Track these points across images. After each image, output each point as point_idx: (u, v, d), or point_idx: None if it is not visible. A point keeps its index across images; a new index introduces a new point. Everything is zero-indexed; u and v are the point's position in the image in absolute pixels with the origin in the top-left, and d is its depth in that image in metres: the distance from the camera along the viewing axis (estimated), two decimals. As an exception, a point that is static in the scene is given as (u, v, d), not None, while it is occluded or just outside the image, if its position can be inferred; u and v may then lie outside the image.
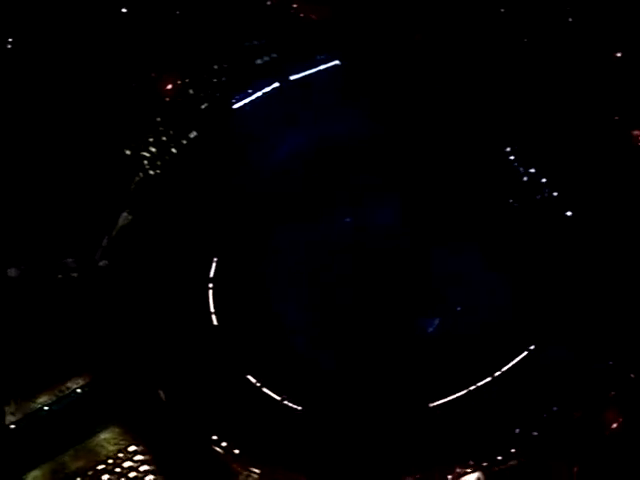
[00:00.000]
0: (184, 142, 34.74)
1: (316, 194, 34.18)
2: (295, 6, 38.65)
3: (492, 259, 32.56)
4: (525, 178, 34.36)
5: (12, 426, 30.69)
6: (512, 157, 34.49)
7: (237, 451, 29.33)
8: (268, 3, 38.28)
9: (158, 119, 35.35)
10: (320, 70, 35.69)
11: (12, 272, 32.85)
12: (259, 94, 35.24)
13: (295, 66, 35.89)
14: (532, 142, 34.45)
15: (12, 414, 30.84)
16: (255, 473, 29.17)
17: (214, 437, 29.57)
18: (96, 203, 33.89)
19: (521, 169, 34.38)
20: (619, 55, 35.91)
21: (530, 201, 33.78)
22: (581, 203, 33.14)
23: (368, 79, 35.63)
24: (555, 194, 33.81)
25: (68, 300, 32.48)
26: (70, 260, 32.92)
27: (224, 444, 29.46)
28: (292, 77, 35.52)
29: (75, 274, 32.95)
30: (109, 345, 31.46)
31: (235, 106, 35.04)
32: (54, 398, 31.04)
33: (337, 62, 35.87)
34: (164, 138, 34.90)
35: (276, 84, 35.38)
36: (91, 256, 32.99)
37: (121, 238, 33.39)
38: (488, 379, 30.38)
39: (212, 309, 32.43)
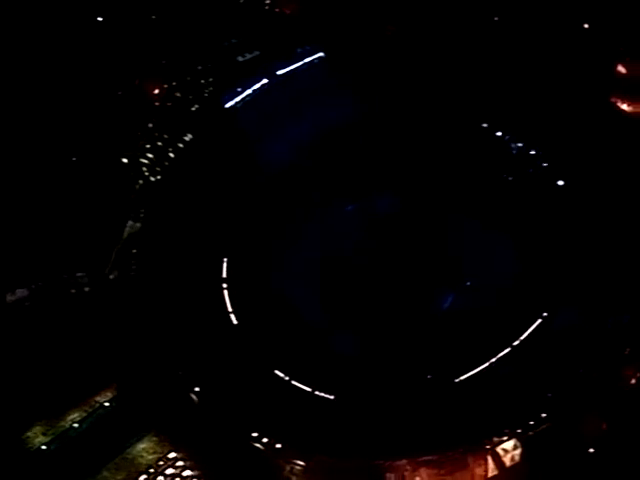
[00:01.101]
0: (181, 145, 34.83)
1: (315, 185, 34.75)
2: (268, 2, 39.05)
3: (494, 232, 33.65)
4: (514, 152, 35.52)
5: (44, 447, 30.61)
6: (500, 133, 35.54)
7: (279, 445, 29.77)
8: (241, 1, 38.58)
9: (150, 125, 35.37)
10: (305, 63, 36.11)
11: (22, 292, 32.61)
12: (249, 92, 35.54)
13: (280, 61, 36.25)
14: (518, 117, 35.55)
15: (43, 434, 30.73)
16: (299, 465, 29.69)
17: (254, 434, 29.95)
18: (100, 215, 33.83)
19: (510, 144, 35.49)
20: (588, 26, 37.36)
21: (523, 174, 34.94)
22: (571, 171, 34.43)
23: (352, 67, 36.19)
24: (545, 165, 35.07)
25: (83, 314, 32.45)
26: (81, 275, 32.82)
27: (265, 440, 29.87)
28: (279, 72, 35.85)
29: (87, 288, 32.88)
30: (132, 354, 31.55)
31: (227, 105, 35.23)
32: (84, 414, 31.02)
33: (321, 54, 36.29)
34: (160, 143, 34.94)
35: (264, 80, 35.69)
36: (102, 268, 32.93)
37: (129, 247, 33.39)
38: (508, 349, 31.44)
39: (230, 309, 32.79)
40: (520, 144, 35.49)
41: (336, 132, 34.89)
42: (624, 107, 36.10)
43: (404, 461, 29.12)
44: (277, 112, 35.12)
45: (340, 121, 34.93)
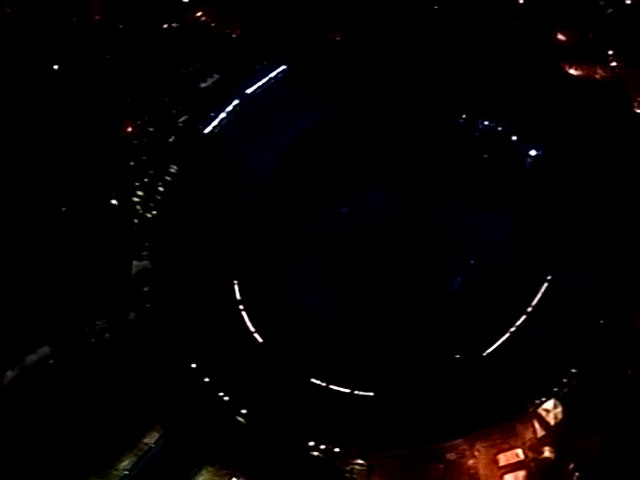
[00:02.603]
0: (168, 178, 35.03)
1: (306, 195, 35.56)
2: (213, 25, 39.50)
3: (486, 209, 35.19)
4: (483, 132, 37.16)
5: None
6: (464, 116, 37.11)
7: (337, 449, 30.59)
8: (190, 28, 38.89)
9: (132, 163, 35.43)
10: (270, 78, 36.80)
11: (44, 351, 32.32)
12: (223, 114, 35.99)
13: (245, 80, 36.83)
14: (479, 99, 37.17)
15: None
16: (358, 464, 30.58)
17: (311, 444, 30.66)
18: (104, 260, 33.73)
19: (477, 125, 37.12)
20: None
21: (496, 151, 36.62)
22: (541, 139, 36.32)
23: (314, 74, 37.10)
24: (514, 138, 36.84)
25: (108, 360, 32.41)
26: (100, 322, 32.73)
27: (322, 447, 30.64)
28: (248, 91, 36.45)
29: (108, 334, 32.81)
30: (171, 390, 31.75)
31: (206, 131, 35.62)
32: (135, 459, 31.03)
33: (283, 67, 37.04)
34: (146, 180, 35.04)
35: (236, 101, 36.22)
36: (119, 312, 32.91)
37: (140, 286, 33.47)
38: (524, 316, 33.10)
39: (252, 329, 33.33)
40: (485, 122, 37.13)
41: (316, 135, 35.67)
42: (572, 72, 38.22)
43: (459, 440, 30.47)
44: (256, 128, 35.73)
45: (318, 124, 35.74)
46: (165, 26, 39.14)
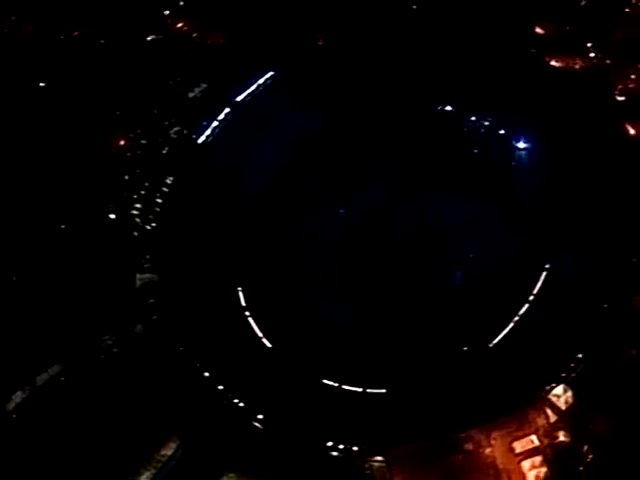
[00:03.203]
0: (165, 189, 35.08)
1: (304, 197, 35.84)
2: (195, 35, 39.60)
3: (482, 204, 35.79)
4: (471, 127, 37.78)
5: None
6: (454, 113, 37.68)
7: (356, 448, 30.92)
8: (172, 40, 38.96)
9: (127, 176, 35.42)
10: (259, 84, 37.00)
11: (55, 369, 32.20)
12: (215, 123, 36.13)
13: (233, 88, 36.99)
14: (467, 94, 37.77)
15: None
16: (377, 461, 30.94)
17: (329, 444, 30.95)
18: (107, 274, 33.69)
19: (465, 121, 37.69)
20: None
21: (487, 145, 37.23)
22: (530, 132, 37.04)
23: (306, 79, 37.41)
24: (502, 132, 37.48)
25: (118, 374, 32.39)
26: (108, 337, 32.68)
27: (341, 447, 30.95)
28: (238, 99, 36.62)
29: (116, 349, 32.77)
30: (184, 399, 31.84)
31: (200, 141, 35.73)
32: (154, 471, 31.05)
33: (271, 72, 37.27)
34: (143, 192, 35.06)
35: (227, 109, 36.37)
36: (126, 326, 32.91)
37: (145, 298, 33.50)
38: (526, 306, 33.73)
39: (259, 334, 33.52)
40: (472, 118, 37.72)
41: (310, 137, 35.98)
42: (553, 64, 39.02)
43: (475, 430, 30.98)
44: (249, 134, 35.91)
45: (313, 127, 36.05)
46: (148, 38, 39.10)
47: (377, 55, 38.12)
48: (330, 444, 30.97)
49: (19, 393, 31.58)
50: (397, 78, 37.57)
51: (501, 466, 30.40)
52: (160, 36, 39.56)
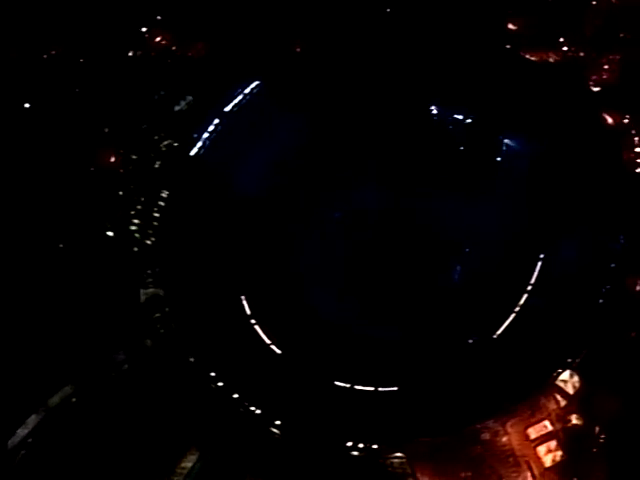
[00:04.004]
0: (161, 203, 35.11)
1: (297, 204, 36.19)
2: (175, 48, 39.67)
3: (473, 199, 36.52)
4: (451, 126, 38.51)
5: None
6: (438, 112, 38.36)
7: (375, 446, 31.36)
8: (153, 54, 38.97)
9: (121, 193, 35.37)
10: (246, 94, 37.20)
11: (67, 390, 32.04)
12: (206, 135, 36.24)
13: (220, 99, 37.14)
14: (448, 93, 38.49)
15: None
16: (396, 457, 31.43)
17: (349, 444, 31.34)
18: (111, 292, 33.61)
19: (449, 119, 38.40)
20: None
21: (471, 142, 37.99)
22: (513, 127, 37.90)
23: (291, 86, 37.72)
24: (485, 128, 38.29)
25: (131, 390, 32.37)
26: (119, 355, 32.62)
27: (361, 446, 31.36)
28: (226, 109, 36.79)
29: (126, 365, 32.73)
30: (199, 411, 31.94)
31: (192, 153, 35.83)
32: (177, 484, 31.19)
33: (256, 82, 37.50)
34: (140, 207, 35.05)
35: (216, 120, 36.52)
36: (135, 343, 32.88)
37: (151, 313, 33.52)
38: (525, 296, 34.54)
39: (268, 341, 33.76)
40: (455, 116, 38.46)
41: (301, 143, 36.30)
42: (531, 58, 39.97)
43: (491, 421, 31.66)
44: (241, 143, 36.09)
45: (303, 131, 36.38)
46: (128, 54, 39.05)
47: (358, 57, 38.65)
48: (350, 444, 31.29)
49: (33, 417, 31.29)
50: (379, 79, 38.13)
51: (519, 453, 31.12)
52: (140, 52, 39.55)
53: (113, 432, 31.57)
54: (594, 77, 39.18)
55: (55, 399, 31.68)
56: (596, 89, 39.20)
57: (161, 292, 33.83)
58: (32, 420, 31.19)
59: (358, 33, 39.11)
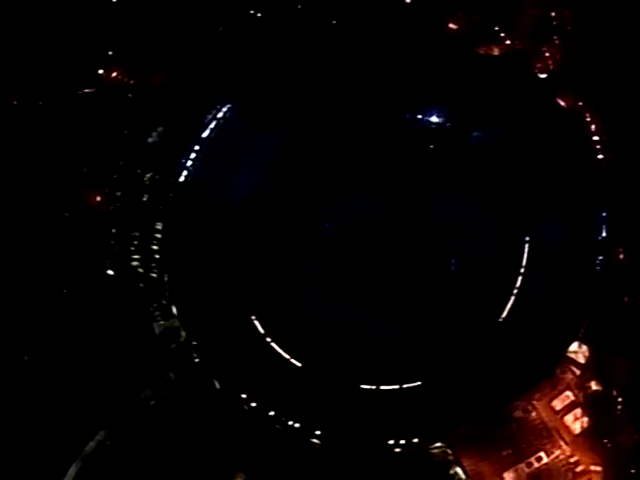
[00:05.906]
0: (158, 235, 34.95)
1: (287, 219, 36.63)
2: (132, 82, 39.43)
3: (455, 194, 37.81)
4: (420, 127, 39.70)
5: None
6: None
7: (416, 440, 32.20)
8: (116, 89, 38.66)
9: (114, 230, 35.04)
10: (219, 118, 37.37)
11: (101, 435, 31.54)
12: (189, 162, 36.25)
13: (195, 126, 37.21)
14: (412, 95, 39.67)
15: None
16: (437, 447, 32.38)
17: (390, 443, 32.06)
18: (124, 331, 33.28)
19: (416, 120, 39.53)
20: None
21: (441, 139, 39.27)
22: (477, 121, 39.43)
23: (262, 105, 38.10)
24: (450, 125, 39.66)
25: (164, 425, 32.14)
26: (146, 392, 32.32)
27: (402, 442, 32.12)
28: (204, 135, 36.90)
29: (154, 401, 32.45)
30: (238, 434, 32.02)
31: (180, 180, 35.80)
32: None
33: (228, 105, 37.71)
34: (136, 242, 34.78)
35: (196, 147, 36.58)
36: (158, 378, 32.65)
37: (167, 345, 33.38)
38: (520, 278, 36.07)
39: (286, 356, 34.10)
40: (419, 116, 39.68)
41: (284, 162, 36.74)
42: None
43: (520, 400, 33.01)
44: (226, 164, 36.24)
45: (283, 151, 36.83)
46: (85, 91, 38.65)
47: (320, 70, 39.40)
48: (391, 442, 31.98)
49: (72, 469, 30.65)
50: (346, 90, 38.97)
51: (550, 425, 32.55)
52: (95, 88, 39.14)
53: (151, 469, 31.18)
54: (539, 65, 41.41)
55: (91, 446, 31.04)
56: (543, 76, 41.50)
57: (173, 324, 33.62)
58: (72, 471, 30.50)
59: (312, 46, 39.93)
